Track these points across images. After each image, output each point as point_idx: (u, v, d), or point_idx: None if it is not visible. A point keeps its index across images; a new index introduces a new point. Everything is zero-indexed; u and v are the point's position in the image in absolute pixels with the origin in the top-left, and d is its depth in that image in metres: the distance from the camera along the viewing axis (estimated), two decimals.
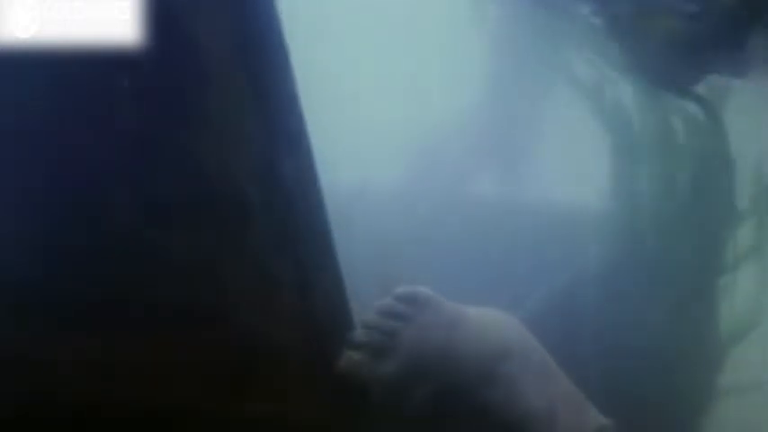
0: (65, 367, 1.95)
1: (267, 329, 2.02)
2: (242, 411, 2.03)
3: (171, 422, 2.01)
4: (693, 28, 2.33)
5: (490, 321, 2.17)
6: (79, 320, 1.94)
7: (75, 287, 1.93)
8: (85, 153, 1.88)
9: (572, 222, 3.07)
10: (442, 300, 2.16)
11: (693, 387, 2.92)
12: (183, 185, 1.92)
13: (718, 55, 2.41)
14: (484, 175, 3.68)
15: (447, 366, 2.07)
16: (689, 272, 3.01)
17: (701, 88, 2.71)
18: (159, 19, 1.78)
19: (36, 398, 1.94)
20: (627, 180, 3.07)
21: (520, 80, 3.40)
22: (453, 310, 2.15)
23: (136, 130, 1.88)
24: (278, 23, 1.99)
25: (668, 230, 3.00)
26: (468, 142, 3.72)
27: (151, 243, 1.93)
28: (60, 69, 1.78)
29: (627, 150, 3.13)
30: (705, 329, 2.97)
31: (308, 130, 2.06)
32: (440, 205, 3.27)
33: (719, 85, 2.68)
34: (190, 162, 1.91)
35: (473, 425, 2.04)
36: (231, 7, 1.90)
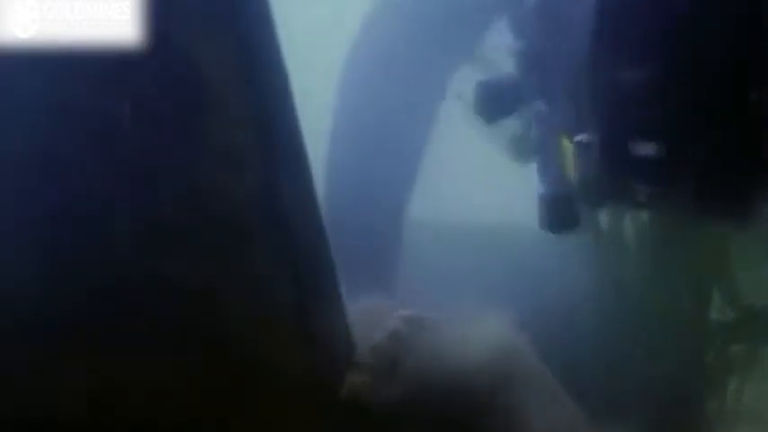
0: (65, 390, 1.93)
1: (268, 352, 1.98)
2: None
3: None
4: None
5: (494, 346, 2.14)
6: (79, 343, 1.92)
7: (75, 310, 1.91)
8: (83, 174, 1.87)
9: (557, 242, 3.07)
10: (445, 323, 2.15)
11: (688, 409, 2.91)
12: (182, 209, 1.90)
13: None
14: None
15: (449, 393, 2.05)
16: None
17: None
18: (160, 46, 1.79)
19: (37, 419, 1.92)
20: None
21: None
22: (457, 334, 2.14)
23: (135, 155, 1.87)
24: (277, 48, 1.99)
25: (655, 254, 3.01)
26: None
27: (150, 266, 1.91)
28: (60, 70, 1.78)
29: None
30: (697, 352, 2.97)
31: (308, 154, 2.06)
32: (435, 227, 3.29)
33: None
34: (189, 185, 1.90)
35: None
36: (232, 34, 1.90)
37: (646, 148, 2.25)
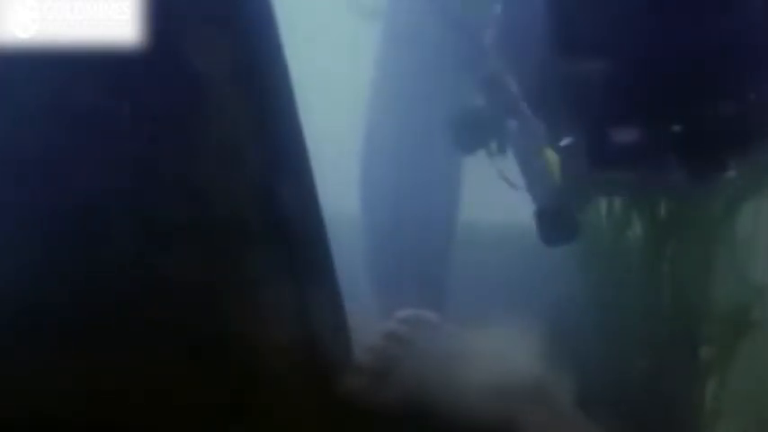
0: (64, 390, 1.92)
1: (267, 355, 1.98)
2: None
3: None
4: None
5: (496, 351, 2.14)
6: (78, 343, 1.92)
7: (75, 310, 1.91)
8: (82, 174, 1.87)
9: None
10: (446, 324, 2.14)
11: (671, 407, 2.94)
12: (182, 209, 1.90)
13: None
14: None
15: (450, 399, 2.04)
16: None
17: None
18: (160, 46, 1.78)
19: (36, 419, 1.92)
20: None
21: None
22: (460, 337, 2.13)
23: (134, 155, 1.86)
24: (279, 49, 1.99)
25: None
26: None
27: (150, 268, 1.90)
28: (60, 70, 1.78)
29: None
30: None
31: (309, 156, 2.06)
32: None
33: None
34: (189, 185, 1.89)
35: None
36: (232, 33, 1.90)
37: (626, 136, 2.32)
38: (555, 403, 2.14)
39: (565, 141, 2.47)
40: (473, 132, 2.78)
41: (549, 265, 3.00)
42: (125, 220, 1.87)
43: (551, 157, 2.53)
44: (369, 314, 2.23)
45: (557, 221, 2.62)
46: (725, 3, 2.34)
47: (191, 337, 1.93)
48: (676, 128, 2.35)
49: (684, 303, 2.98)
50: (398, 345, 2.08)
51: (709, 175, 2.44)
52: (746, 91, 2.38)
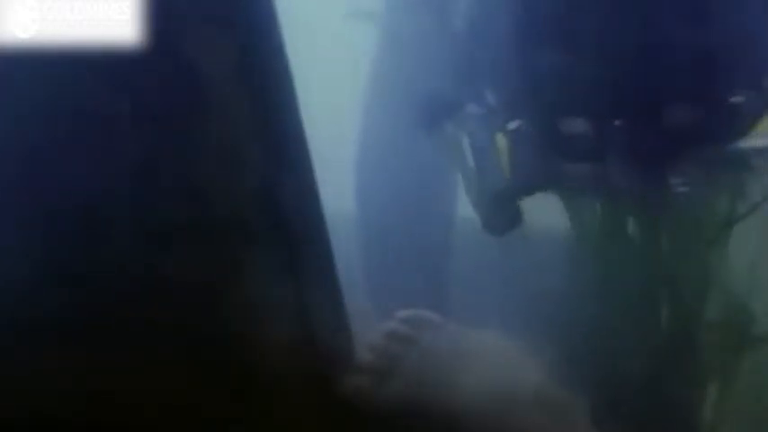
0: (63, 391, 1.92)
1: (267, 355, 1.98)
2: None
3: None
4: None
5: (506, 361, 2.13)
6: (77, 344, 1.91)
7: (74, 310, 1.90)
8: (81, 175, 1.86)
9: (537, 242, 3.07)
10: (448, 324, 2.14)
11: (672, 411, 2.93)
12: (182, 209, 1.90)
13: None
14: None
15: (452, 401, 2.04)
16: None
17: None
18: (160, 46, 1.78)
19: (35, 419, 1.91)
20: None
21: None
22: (462, 337, 2.13)
23: (134, 155, 1.86)
24: (281, 49, 1.99)
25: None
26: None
27: (149, 268, 1.90)
28: (60, 70, 1.78)
29: None
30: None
31: (310, 156, 2.05)
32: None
33: None
34: (189, 186, 1.89)
35: None
36: (233, 33, 1.90)
37: (575, 126, 2.32)
38: (557, 405, 2.14)
39: (514, 125, 2.46)
40: (432, 113, 2.75)
41: (548, 265, 3.00)
42: (125, 220, 1.87)
43: (501, 142, 2.52)
44: (369, 314, 2.22)
45: (501, 209, 2.61)
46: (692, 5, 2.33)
47: (191, 337, 1.93)
48: (629, 125, 2.34)
49: (683, 308, 2.97)
50: (400, 344, 2.08)
51: (660, 178, 2.43)
52: (705, 95, 2.36)
